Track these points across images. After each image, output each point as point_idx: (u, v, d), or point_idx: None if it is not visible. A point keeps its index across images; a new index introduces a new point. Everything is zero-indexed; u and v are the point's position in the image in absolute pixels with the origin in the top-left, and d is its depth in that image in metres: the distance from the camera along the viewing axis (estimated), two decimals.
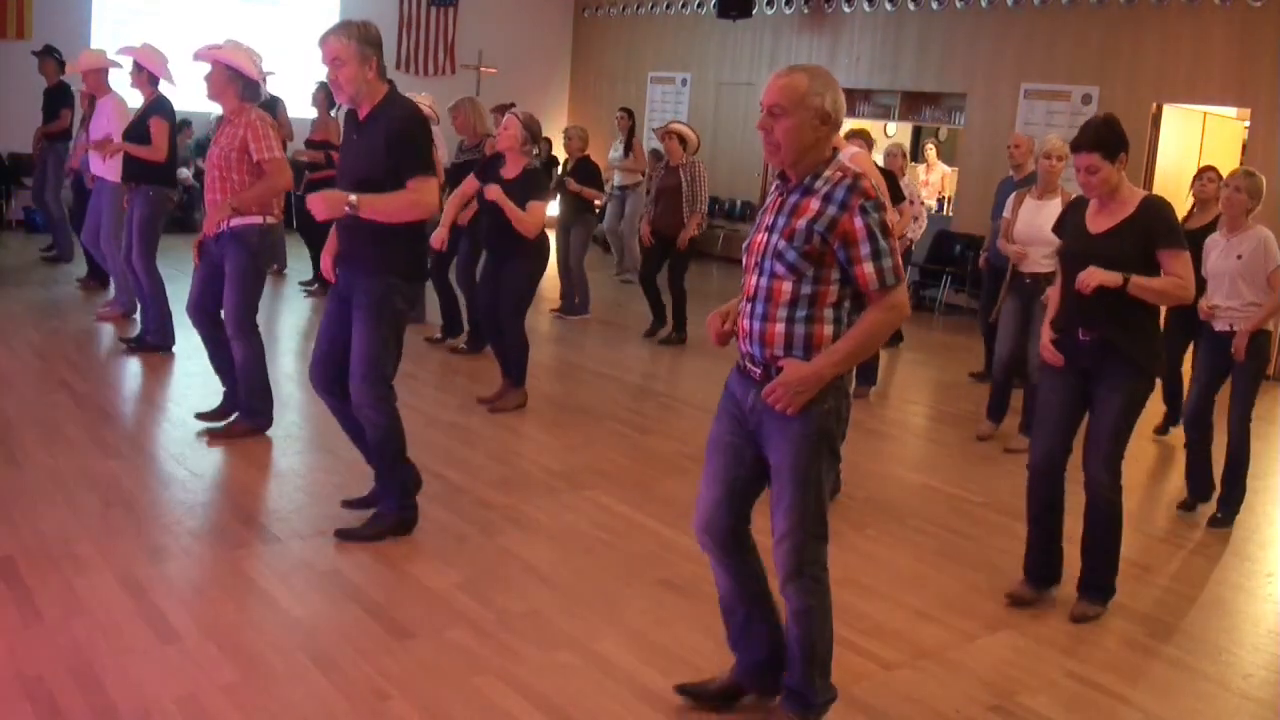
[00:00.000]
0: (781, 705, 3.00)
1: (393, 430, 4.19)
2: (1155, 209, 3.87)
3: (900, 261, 2.78)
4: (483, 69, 14.27)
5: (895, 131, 13.19)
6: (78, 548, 3.94)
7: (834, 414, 2.82)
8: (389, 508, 4.26)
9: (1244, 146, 9.19)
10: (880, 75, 12.03)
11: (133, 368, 6.66)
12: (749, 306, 2.86)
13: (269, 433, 5.52)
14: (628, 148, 11.38)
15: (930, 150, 13.29)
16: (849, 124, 13.02)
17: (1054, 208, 5.63)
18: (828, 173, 2.79)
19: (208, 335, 5.47)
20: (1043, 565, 4.11)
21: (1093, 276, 3.79)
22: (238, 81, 5.17)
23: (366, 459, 4.38)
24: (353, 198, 3.91)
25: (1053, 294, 5.64)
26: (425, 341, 7.74)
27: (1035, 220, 5.96)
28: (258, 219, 5.18)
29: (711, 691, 3.15)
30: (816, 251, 2.74)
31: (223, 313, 5.31)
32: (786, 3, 12.81)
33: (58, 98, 9.59)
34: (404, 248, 4.12)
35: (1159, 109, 9.91)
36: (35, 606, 3.47)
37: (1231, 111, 9.91)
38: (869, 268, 2.73)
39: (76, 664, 3.14)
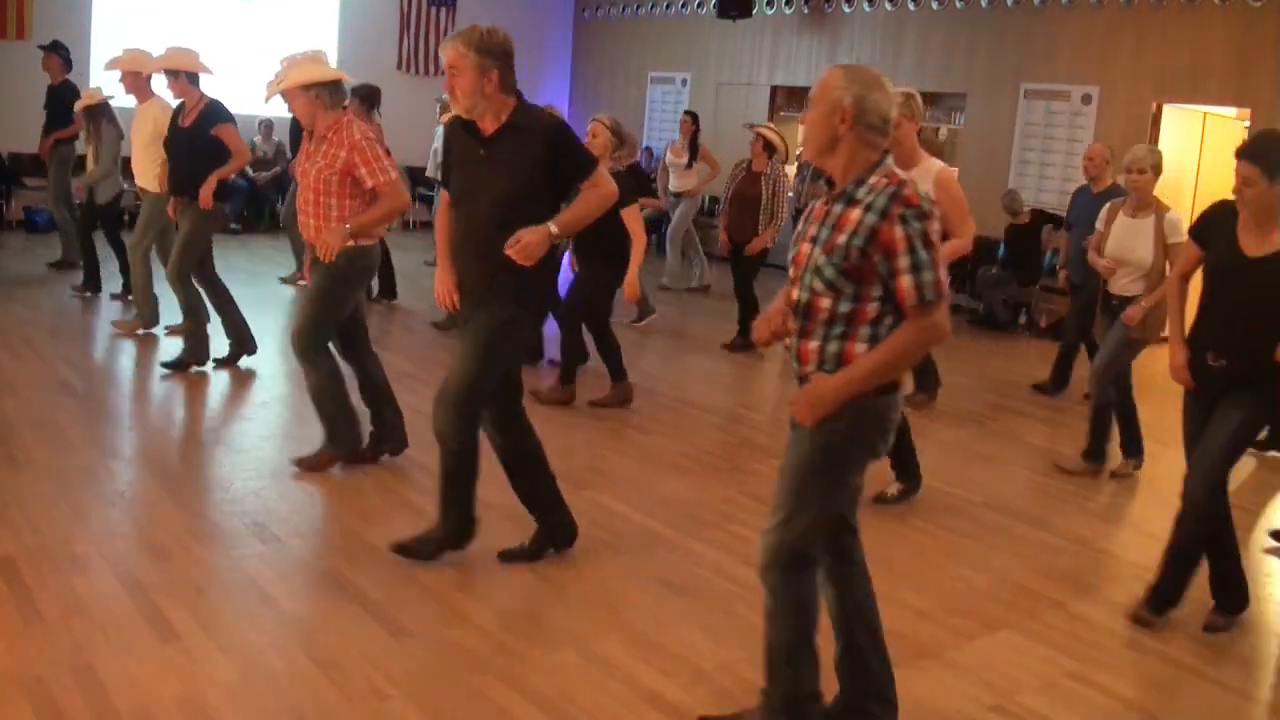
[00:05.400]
0: None
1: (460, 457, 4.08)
2: None
3: (944, 277, 2.65)
4: None
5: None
6: (78, 548, 3.95)
7: (847, 436, 2.76)
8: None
9: None
10: None
11: (132, 368, 6.65)
12: (792, 320, 2.81)
13: (270, 434, 5.52)
14: (693, 154, 10.58)
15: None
16: None
17: (1146, 227, 5.42)
18: (872, 179, 2.68)
19: (357, 369, 5.08)
20: (1222, 590, 4.06)
21: None
22: (318, 93, 4.66)
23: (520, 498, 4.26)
24: (553, 227, 3.65)
25: (1137, 312, 5.36)
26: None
27: (1125, 240, 5.50)
28: (349, 241, 4.67)
29: None
30: (855, 268, 2.64)
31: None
32: (786, 3, 12.81)
33: (62, 97, 8.89)
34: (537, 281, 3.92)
35: (1159, 109, 9.90)
36: (35, 606, 3.48)
37: (1231, 111, 9.91)
38: (907, 281, 2.61)
39: (76, 664, 3.14)
